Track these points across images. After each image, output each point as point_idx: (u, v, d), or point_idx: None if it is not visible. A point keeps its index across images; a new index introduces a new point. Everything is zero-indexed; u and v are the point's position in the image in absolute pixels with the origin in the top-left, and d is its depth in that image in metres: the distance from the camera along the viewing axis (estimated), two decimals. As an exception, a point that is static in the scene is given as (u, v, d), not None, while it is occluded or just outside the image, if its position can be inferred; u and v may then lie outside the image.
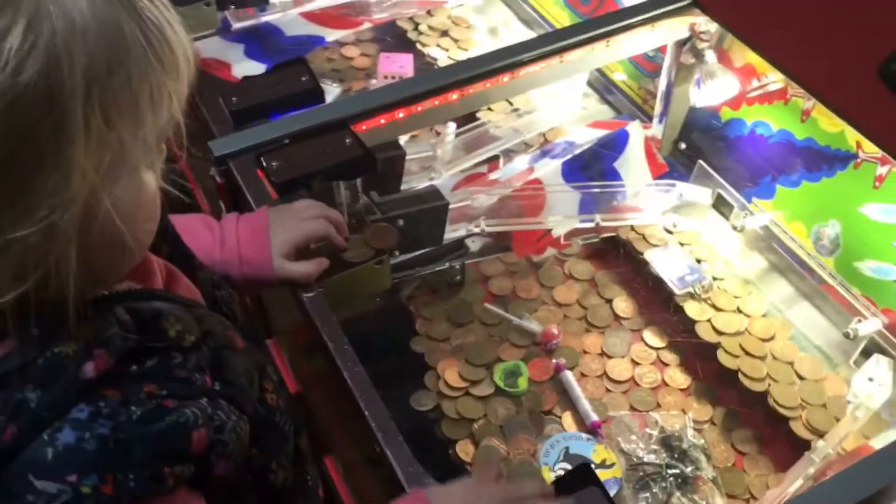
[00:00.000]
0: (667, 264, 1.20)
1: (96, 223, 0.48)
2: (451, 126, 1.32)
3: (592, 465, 0.98)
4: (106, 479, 0.49)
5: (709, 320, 1.15)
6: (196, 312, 0.61)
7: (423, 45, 1.58)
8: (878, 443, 0.98)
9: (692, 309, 1.17)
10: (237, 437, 0.57)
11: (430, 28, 1.62)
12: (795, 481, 0.89)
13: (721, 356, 1.12)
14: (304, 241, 0.85)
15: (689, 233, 1.26)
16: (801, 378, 1.09)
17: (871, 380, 0.99)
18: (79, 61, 0.44)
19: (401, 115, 1.09)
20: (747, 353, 1.12)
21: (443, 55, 1.57)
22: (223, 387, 0.58)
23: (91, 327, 0.51)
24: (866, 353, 1.07)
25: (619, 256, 1.26)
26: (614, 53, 1.21)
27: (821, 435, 1.01)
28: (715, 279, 1.20)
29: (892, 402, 1.00)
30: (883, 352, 1.05)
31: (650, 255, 1.21)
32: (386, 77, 1.42)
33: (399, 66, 1.44)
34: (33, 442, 0.49)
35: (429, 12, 1.65)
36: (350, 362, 0.79)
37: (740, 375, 1.10)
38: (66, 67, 0.43)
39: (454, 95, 1.12)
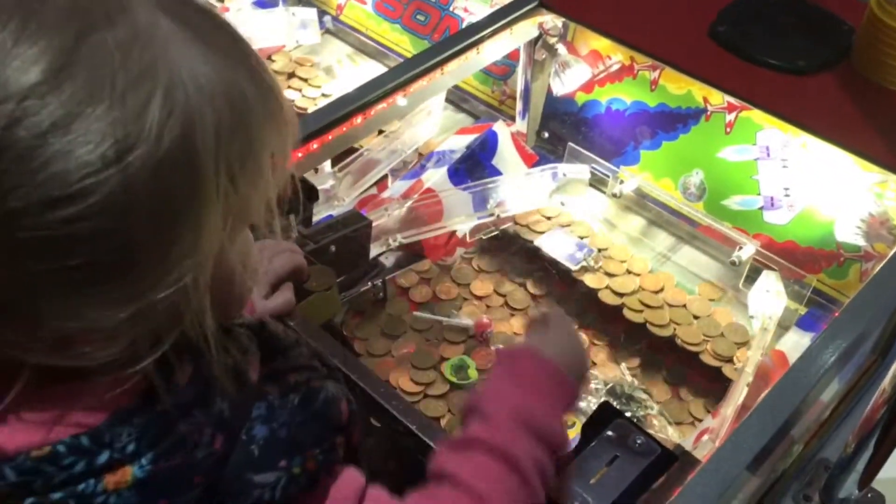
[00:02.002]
0: (556, 246, 1.31)
1: (217, 279, 0.50)
2: (327, 164, 1.37)
3: (610, 402, 1.07)
4: (306, 456, 0.54)
5: (607, 286, 1.27)
6: None
7: None
8: (785, 345, 1.13)
9: (590, 280, 1.28)
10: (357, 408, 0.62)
11: (277, 73, 1.66)
12: (741, 394, 1.02)
13: (627, 314, 1.24)
14: (279, 280, 0.88)
15: (565, 214, 1.38)
16: (696, 317, 1.23)
17: (767, 291, 1.14)
18: (209, 123, 0.45)
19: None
20: (648, 307, 1.24)
21: (296, 95, 1.62)
22: (328, 370, 0.63)
23: (229, 341, 0.55)
24: (749, 278, 1.24)
25: (516, 245, 1.36)
26: (475, 64, 1.32)
27: (727, 360, 1.15)
28: (600, 250, 1.32)
29: (787, 306, 1.16)
30: (765, 269, 1.21)
31: (540, 242, 1.32)
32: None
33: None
34: (236, 446, 0.52)
35: (269, 58, 1.69)
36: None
37: (648, 326, 1.22)
38: (199, 131, 0.45)
39: (330, 137, 1.17)
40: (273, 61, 1.69)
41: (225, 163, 0.46)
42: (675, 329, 1.22)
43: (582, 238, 1.34)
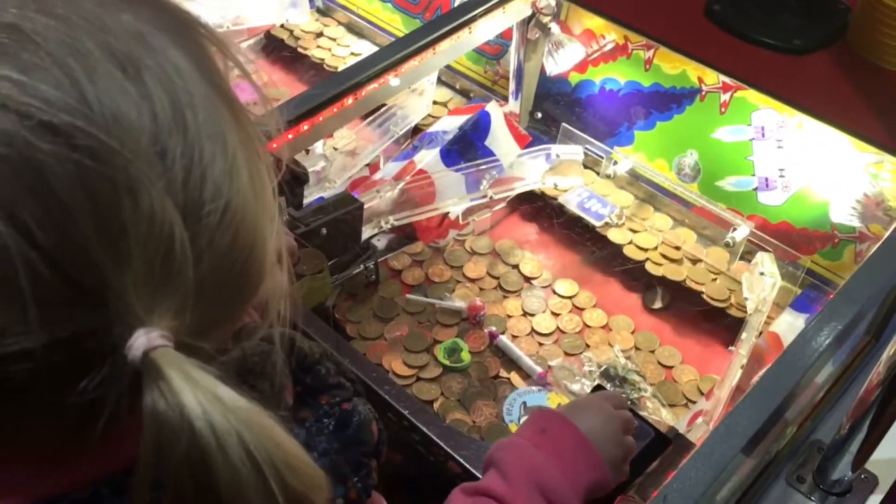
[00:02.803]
0: (581, 203, 1.33)
1: None
2: (318, 145, 1.35)
3: (607, 386, 1.08)
4: (348, 486, 0.53)
5: (631, 242, 1.29)
6: None
7: (304, 48, 1.64)
8: (779, 326, 1.13)
9: (615, 236, 1.30)
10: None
11: (305, 32, 1.68)
12: (735, 376, 1.01)
13: (649, 267, 1.26)
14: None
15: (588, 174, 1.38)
16: (715, 274, 1.25)
17: (761, 273, 1.14)
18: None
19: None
20: (670, 261, 1.27)
21: (326, 55, 1.63)
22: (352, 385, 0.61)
23: (265, 362, 0.52)
24: (743, 259, 1.24)
25: (514, 223, 1.36)
26: (467, 44, 1.30)
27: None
28: (622, 208, 1.33)
29: (780, 287, 1.16)
30: (760, 250, 1.21)
31: (564, 199, 1.34)
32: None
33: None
34: None
35: (283, 25, 1.68)
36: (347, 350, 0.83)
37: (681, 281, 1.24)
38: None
39: (321, 118, 1.16)
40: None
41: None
42: (704, 286, 1.24)
43: (605, 196, 1.35)
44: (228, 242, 0.42)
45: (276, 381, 0.53)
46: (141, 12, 0.43)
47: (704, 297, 1.22)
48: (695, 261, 1.27)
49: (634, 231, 1.31)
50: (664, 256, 1.28)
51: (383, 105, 1.37)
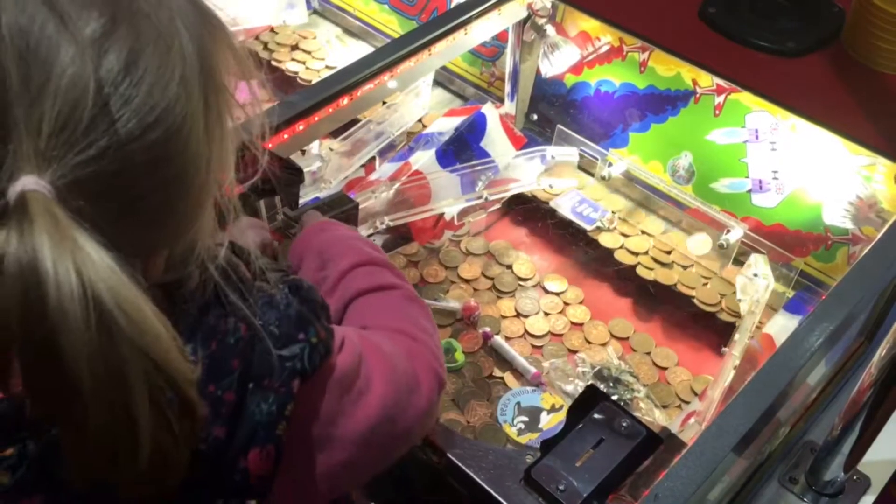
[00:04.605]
0: (572, 207, 1.33)
1: None
2: (314, 145, 1.36)
3: (597, 385, 1.08)
4: (317, 328, 0.60)
5: (622, 246, 1.30)
6: None
7: (279, 60, 1.62)
8: (772, 328, 1.13)
9: (606, 240, 1.30)
10: None
11: (280, 45, 1.65)
12: (728, 376, 1.01)
13: (640, 271, 1.26)
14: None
15: (581, 177, 1.38)
16: (706, 278, 1.25)
17: (755, 275, 1.14)
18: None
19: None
20: (661, 265, 1.27)
21: (300, 68, 1.60)
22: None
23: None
24: (737, 261, 1.24)
25: (509, 224, 1.36)
26: (463, 45, 1.30)
27: (740, 316, 1.16)
28: (614, 212, 1.34)
29: (773, 288, 1.16)
30: (753, 252, 1.21)
31: (556, 203, 1.34)
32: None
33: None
34: (257, 331, 0.57)
35: (272, 29, 1.67)
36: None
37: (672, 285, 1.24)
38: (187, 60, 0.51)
39: (317, 118, 1.16)
40: (276, 33, 1.66)
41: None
42: (695, 291, 1.24)
43: (596, 200, 1.35)
44: (149, 140, 0.47)
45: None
46: None
47: (695, 301, 1.22)
48: (686, 265, 1.27)
49: (626, 235, 1.31)
50: (655, 260, 1.28)
51: (383, 103, 1.37)
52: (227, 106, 0.55)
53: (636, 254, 1.29)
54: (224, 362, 0.55)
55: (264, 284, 0.61)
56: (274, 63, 1.59)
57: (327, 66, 1.60)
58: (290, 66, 1.59)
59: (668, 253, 1.29)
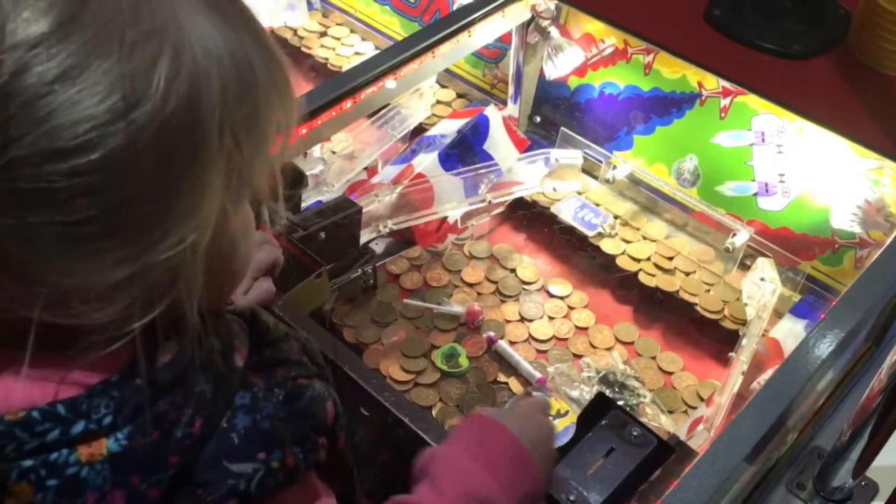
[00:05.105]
0: (574, 213, 1.32)
1: (218, 249, 0.50)
2: (316, 148, 1.35)
3: (606, 392, 1.07)
4: (286, 452, 0.53)
5: (624, 252, 1.28)
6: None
7: (308, 48, 1.63)
8: (778, 332, 1.13)
9: (608, 246, 1.29)
10: (344, 411, 0.60)
11: (308, 31, 1.67)
12: (736, 382, 1.01)
13: (642, 277, 1.25)
14: (259, 273, 0.86)
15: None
16: (709, 284, 1.24)
17: (761, 279, 1.13)
18: (216, 86, 0.45)
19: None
20: (664, 271, 1.26)
21: (330, 54, 1.62)
22: (317, 368, 0.61)
23: (219, 325, 0.54)
24: (742, 265, 1.23)
25: (512, 228, 1.35)
26: (466, 47, 1.30)
27: (744, 323, 1.15)
28: (616, 217, 1.33)
29: (781, 293, 1.15)
30: (759, 255, 1.20)
31: (557, 208, 1.32)
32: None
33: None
34: (215, 432, 0.51)
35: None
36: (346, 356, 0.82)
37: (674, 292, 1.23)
38: (205, 95, 0.44)
39: (319, 121, 1.15)
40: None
41: (230, 126, 0.46)
42: (698, 297, 1.22)
43: (597, 205, 1.34)
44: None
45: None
46: None
47: (698, 308, 1.21)
48: (688, 272, 1.26)
49: (627, 241, 1.30)
50: (657, 266, 1.26)
51: (386, 105, 1.37)
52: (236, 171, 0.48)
53: (638, 260, 1.27)
54: (161, 456, 0.49)
55: (257, 381, 0.54)
56: (304, 50, 1.61)
57: (356, 53, 1.61)
58: (319, 53, 1.60)
59: (671, 259, 1.27)
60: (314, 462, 0.55)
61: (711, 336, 1.20)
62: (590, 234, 1.29)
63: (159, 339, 0.49)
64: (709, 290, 1.23)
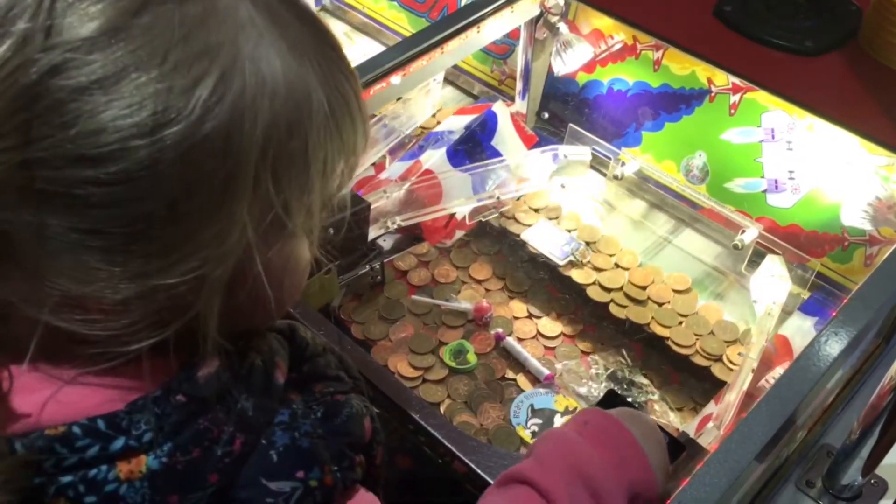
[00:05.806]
0: (543, 240, 1.28)
1: (245, 282, 0.48)
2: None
3: (615, 389, 1.07)
4: (325, 470, 0.52)
5: (595, 282, 1.23)
6: None
7: None
8: (787, 329, 1.12)
9: (578, 275, 1.24)
10: (381, 425, 0.60)
11: None
12: (745, 380, 1.00)
13: (613, 309, 1.20)
14: None
15: (553, 207, 1.33)
16: (682, 316, 1.18)
17: (770, 276, 1.13)
18: (261, 120, 0.43)
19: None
20: (635, 302, 1.20)
21: None
22: (353, 382, 0.61)
23: (261, 341, 0.53)
24: (752, 262, 1.23)
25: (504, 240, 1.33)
26: (475, 43, 1.29)
27: (717, 359, 1.12)
28: (588, 244, 1.28)
29: (790, 291, 1.15)
30: (769, 253, 1.20)
31: (526, 236, 1.29)
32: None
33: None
34: (255, 449, 0.50)
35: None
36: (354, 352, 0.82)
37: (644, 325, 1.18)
38: (247, 125, 0.43)
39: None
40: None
41: (271, 163, 0.44)
42: (670, 330, 1.17)
43: (570, 231, 1.30)
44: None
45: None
46: None
47: (669, 342, 1.16)
48: (661, 302, 1.20)
49: (599, 269, 1.24)
50: (628, 297, 1.21)
51: (394, 101, 1.36)
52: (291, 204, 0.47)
53: (609, 290, 1.22)
54: (200, 474, 0.48)
55: (295, 398, 0.53)
56: None
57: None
58: None
59: (644, 288, 1.22)
60: (352, 481, 0.54)
61: (683, 370, 1.15)
62: (560, 262, 1.25)
63: (200, 354, 0.49)
64: (681, 323, 1.18)
